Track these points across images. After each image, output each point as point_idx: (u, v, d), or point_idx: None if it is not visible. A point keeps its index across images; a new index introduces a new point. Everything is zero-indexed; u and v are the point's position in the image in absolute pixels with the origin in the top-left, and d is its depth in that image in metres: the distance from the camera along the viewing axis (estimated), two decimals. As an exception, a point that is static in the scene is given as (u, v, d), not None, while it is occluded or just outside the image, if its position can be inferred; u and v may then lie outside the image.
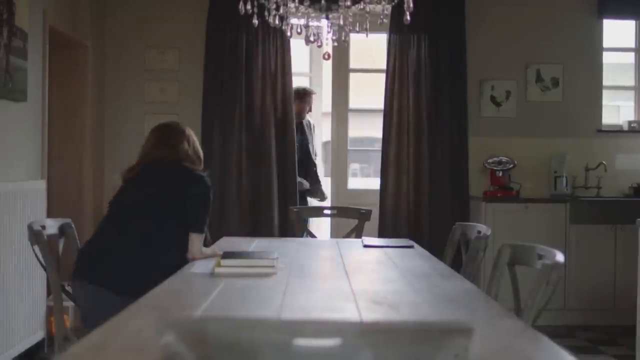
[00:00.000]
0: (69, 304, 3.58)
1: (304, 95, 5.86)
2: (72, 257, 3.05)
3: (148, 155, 3.14)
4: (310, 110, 5.98)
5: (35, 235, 2.82)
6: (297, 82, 6.02)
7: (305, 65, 6.14)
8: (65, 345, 2.78)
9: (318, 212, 4.63)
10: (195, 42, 5.76)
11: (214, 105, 5.70)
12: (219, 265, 2.57)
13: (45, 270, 2.86)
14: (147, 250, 2.90)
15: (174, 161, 3.11)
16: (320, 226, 6.19)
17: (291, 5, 3.50)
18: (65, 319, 3.57)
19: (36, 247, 2.84)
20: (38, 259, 2.86)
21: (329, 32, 3.71)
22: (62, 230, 3.10)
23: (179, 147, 3.15)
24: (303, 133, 5.89)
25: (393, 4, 3.59)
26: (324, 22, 3.60)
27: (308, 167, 5.87)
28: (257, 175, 5.73)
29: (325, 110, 6.38)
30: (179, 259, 2.89)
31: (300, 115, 5.87)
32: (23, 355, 4.11)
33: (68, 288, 2.99)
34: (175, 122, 3.41)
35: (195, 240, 2.95)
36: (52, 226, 3.04)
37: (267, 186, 5.72)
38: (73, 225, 3.15)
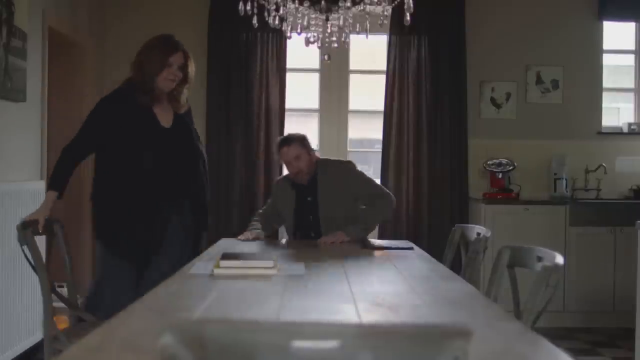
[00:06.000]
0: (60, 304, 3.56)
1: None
2: (62, 257, 3.05)
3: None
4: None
5: (24, 236, 2.81)
6: (305, 78, 6.03)
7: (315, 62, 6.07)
8: (55, 346, 2.77)
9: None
10: (195, 43, 5.75)
11: (218, 104, 5.72)
12: (218, 266, 2.57)
13: (34, 270, 2.85)
14: None
15: None
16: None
17: (291, 6, 3.49)
18: (62, 319, 3.56)
19: (25, 248, 2.82)
20: (27, 259, 2.84)
21: (328, 34, 3.71)
22: (52, 230, 3.08)
23: None
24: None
25: (393, 5, 3.59)
26: (323, 27, 3.60)
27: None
28: (259, 176, 5.74)
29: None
30: None
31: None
32: (22, 356, 4.10)
33: (59, 289, 2.98)
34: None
35: None
36: (41, 226, 3.03)
37: (269, 186, 5.74)
38: (62, 226, 3.13)
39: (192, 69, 3.40)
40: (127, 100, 3.30)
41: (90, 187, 3.40)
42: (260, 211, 4.21)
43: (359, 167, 4.09)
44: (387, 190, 4.02)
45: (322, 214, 3.87)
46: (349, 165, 4.03)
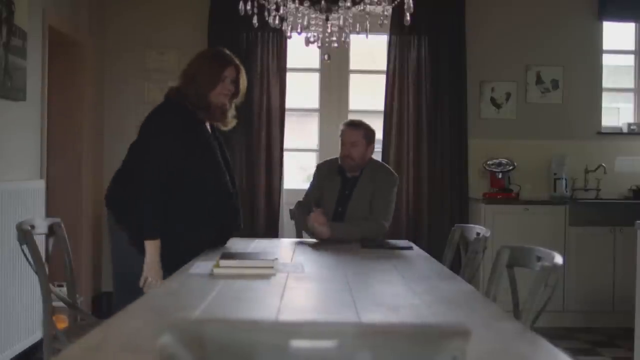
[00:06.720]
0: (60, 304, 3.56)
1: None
2: (62, 257, 3.04)
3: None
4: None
5: (24, 235, 2.81)
6: (305, 78, 6.03)
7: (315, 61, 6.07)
8: (54, 345, 2.77)
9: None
10: (195, 42, 5.74)
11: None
12: (217, 266, 2.57)
13: (34, 270, 2.84)
14: None
15: None
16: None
17: (291, 5, 3.49)
18: (61, 319, 3.56)
19: (25, 247, 2.82)
20: (27, 259, 2.83)
21: (328, 34, 3.71)
22: (52, 229, 3.08)
23: None
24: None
25: (393, 5, 3.59)
26: (323, 27, 3.60)
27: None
28: (259, 176, 5.74)
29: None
30: None
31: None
32: (21, 355, 4.10)
33: (59, 289, 2.97)
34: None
35: None
36: (41, 226, 3.02)
37: (269, 186, 5.74)
38: (62, 225, 3.11)
39: (244, 82, 3.23)
40: (183, 113, 3.12)
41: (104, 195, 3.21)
42: (301, 200, 4.13)
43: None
44: (386, 222, 3.90)
45: (349, 210, 3.91)
46: (391, 178, 4.04)
